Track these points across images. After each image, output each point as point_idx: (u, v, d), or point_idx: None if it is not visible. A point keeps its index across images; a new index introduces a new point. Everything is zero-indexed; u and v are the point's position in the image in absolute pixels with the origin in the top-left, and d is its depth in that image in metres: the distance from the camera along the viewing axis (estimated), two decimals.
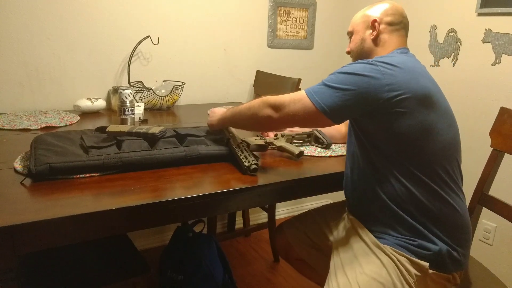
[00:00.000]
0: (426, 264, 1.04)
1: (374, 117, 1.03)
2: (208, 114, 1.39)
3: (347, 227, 1.24)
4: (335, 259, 1.17)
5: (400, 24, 1.18)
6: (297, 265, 1.54)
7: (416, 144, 1.03)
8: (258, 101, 1.14)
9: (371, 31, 1.19)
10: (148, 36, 1.98)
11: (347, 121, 1.44)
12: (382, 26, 1.17)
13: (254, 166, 1.13)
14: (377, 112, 1.02)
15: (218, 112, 1.33)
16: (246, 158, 1.15)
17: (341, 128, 1.48)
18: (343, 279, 1.08)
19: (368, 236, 1.12)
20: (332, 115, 1.03)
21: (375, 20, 1.18)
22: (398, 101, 0.99)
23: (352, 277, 1.07)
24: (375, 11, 1.20)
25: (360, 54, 1.22)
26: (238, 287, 1.79)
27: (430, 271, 1.04)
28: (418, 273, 1.04)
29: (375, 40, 1.19)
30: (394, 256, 1.05)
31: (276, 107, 1.09)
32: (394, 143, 1.04)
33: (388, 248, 1.07)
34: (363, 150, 1.11)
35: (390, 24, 1.18)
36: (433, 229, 1.05)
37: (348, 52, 1.28)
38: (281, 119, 1.09)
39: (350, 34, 1.27)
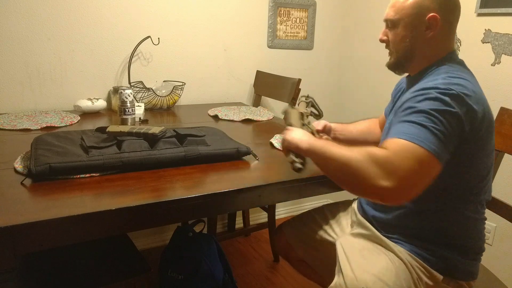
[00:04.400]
0: (441, 277, 1.03)
1: (456, 149, 0.93)
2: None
3: (354, 227, 1.23)
4: (340, 258, 1.15)
5: (457, 22, 1.04)
6: (297, 266, 1.54)
7: (475, 169, 0.99)
8: (360, 156, 0.87)
9: (424, 28, 1.01)
10: (148, 37, 1.98)
11: (375, 122, 1.43)
12: (440, 24, 1.00)
13: (299, 166, 1.01)
14: (461, 144, 0.92)
15: (304, 136, 1.04)
16: (295, 155, 1.03)
17: (375, 129, 1.40)
18: (350, 274, 1.06)
19: (379, 239, 1.11)
20: (442, 158, 0.88)
21: (435, 18, 1.00)
22: (484, 128, 0.94)
23: (359, 274, 1.05)
24: (431, 2, 0.99)
25: (405, 52, 1.07)
26: (238, 286, 1.79)
27: (443, 284, 1.03)
28: (429, 282, 1.02)
29: (430, 40, 1.03)
30: (407, 260, 1.04)
31: (388, 172, 0.84)
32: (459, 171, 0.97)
33: (402, 252, 1.05)
34: None
35: (450, 23, 1.02)
36: (453, 243, 1.04)
37: (383, 41, 1.12)
38: (401, 189, 0.84)
39: (392, 23, 1.06)
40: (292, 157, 1.02)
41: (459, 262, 1.04)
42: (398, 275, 1.02)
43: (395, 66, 1.13)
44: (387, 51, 1.14)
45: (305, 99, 1.39)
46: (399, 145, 0.87)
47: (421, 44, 1.04)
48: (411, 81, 1.12)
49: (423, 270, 1.03)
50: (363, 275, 1.04)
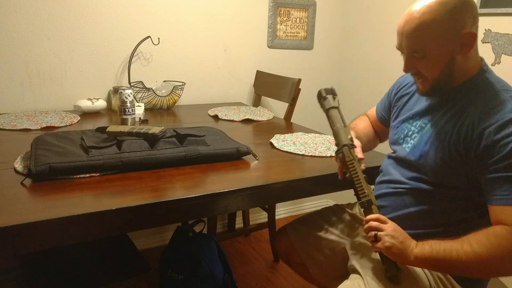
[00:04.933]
0: None
1: None
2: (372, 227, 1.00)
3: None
4: (354, 261, 1.14)
5: None
6: (297, 269, 1.52)
7: None
8: (493, 248, 0.86)
9: (460, 47, 0.94)
10: (148, 37, 1.98)
11: (368, 121, 1.38)
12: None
13: (398, 279, 1.00)
14: None
15: (406, 246, 0.96)
16: (387, 264, 1.00)
17: (370, 134, 1.37)
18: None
19: None
20: None
21: (472, 35, 0.93)
22: None
23: (375, 276, 1.03)
24: (460, 18, 0.92)
25: (444, 77, 0.99)
26: (238, 286, 1.79)
27: None
28: None
29: (467, 55, 0.96)
30: (430, 273, 1.02)
31: None
32: None
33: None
34: (459, 202, 1.01)
35: (477, 29, 0.95)
36: None
37: (408, 71, 1.04)
38: None
39: (421, 54, 0.97)
40: (394, 270, 0.99)
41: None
42: (415, 281, 1.01)
43: (432, 92, 1.05)
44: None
45: (333, 98, 1.17)
46: None
47: (460, 63, 0.97)
48: (446, 96, 1.04)
49: (444, 280, 1.01)
50: (380, 278, 1.03)
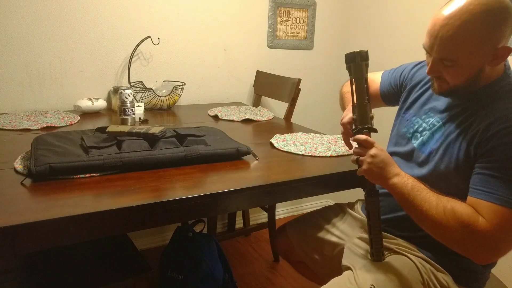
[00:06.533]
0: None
1: None
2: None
3: (362, 232, 1.22)
4: (348, 259, 1.14)
5: None
6: (297, 267, 1.53)
7: None
8: (456, 225, 0.86)
9: (492, 58, 0.90)
10: (148, 37, 1.98)
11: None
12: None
13: (376, 257, 1.06)
14: None
15: (390, 166, 0.98)
16: (375, 248, 1.06)
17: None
18: (361, 272, 1.05)
19: (393, 244, 1.10)
20: None
21: (507, 49, 0.89)
22: None
23: (368, 272, 1.03)
24: (500, 31, 0.87)
25: (467, 84, 0.95)
26: (238, 286, 1.79)
27: None
28: None
29: (496, 66, 0.94)
30: (421, 266, 1.02)
31: (489, 249, 0.85)
32: None
33: (418, 258, 1.04)
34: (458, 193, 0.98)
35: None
36: None
37: (432, 74, 1.00)
38: (497, 257, 0.89)
39: (451, 62, 0.92)
40: (380, 255, 1.05)
41: (481, 272, 1.05)
42: (408, 279, 1.01)
43: (449, 94, 1.01)
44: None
45: (366, 66, 1.10)
46: (499, 217, 0.83)
47: (488, 72, 0.94)
48: (464, 97, 1.00)
49: (443, 279, 1.02)
50: (373, 274, 1.03)
